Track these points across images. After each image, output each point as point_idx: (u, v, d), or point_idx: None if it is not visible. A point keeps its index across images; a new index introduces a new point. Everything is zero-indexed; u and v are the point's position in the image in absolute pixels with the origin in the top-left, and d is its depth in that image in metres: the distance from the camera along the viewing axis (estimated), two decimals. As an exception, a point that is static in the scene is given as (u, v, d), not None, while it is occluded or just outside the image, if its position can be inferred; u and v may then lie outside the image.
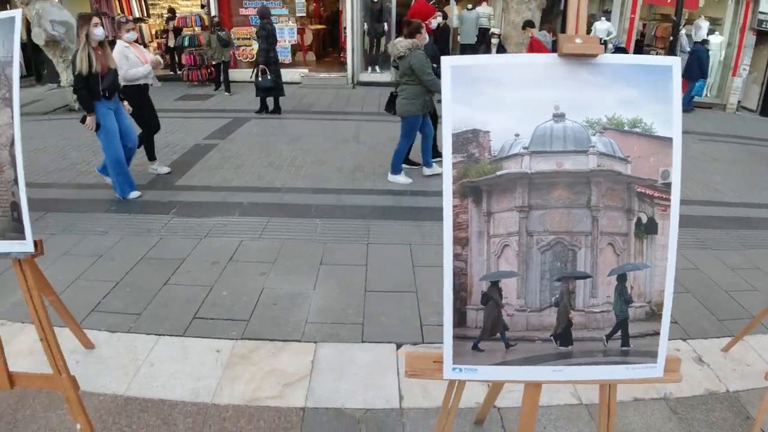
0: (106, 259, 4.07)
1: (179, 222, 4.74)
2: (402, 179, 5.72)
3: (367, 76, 12.47)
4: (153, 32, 14.23)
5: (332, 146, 7.22)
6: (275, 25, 12.31)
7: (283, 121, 8.72)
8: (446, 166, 1.49)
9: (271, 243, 4.33)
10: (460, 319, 1.58)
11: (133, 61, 5.40)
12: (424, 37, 5.50)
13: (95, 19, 4.83)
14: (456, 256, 1.53)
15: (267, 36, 8.94)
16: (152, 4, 14.26)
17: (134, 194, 5.30)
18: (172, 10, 12.90)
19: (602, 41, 11.40)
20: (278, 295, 3.58)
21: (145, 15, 14.56)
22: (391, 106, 5.95)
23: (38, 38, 8.99)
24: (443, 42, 10.35)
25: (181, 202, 5.21)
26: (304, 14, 12.80)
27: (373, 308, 3.46)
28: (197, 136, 7.59)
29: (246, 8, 12.50)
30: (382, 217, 4.85)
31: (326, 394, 2.74)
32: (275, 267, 3.95)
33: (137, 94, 5.55)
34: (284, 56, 12.55)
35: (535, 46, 7.98)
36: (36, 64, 12.44)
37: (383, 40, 13.02)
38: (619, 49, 11.42)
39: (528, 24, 8.35)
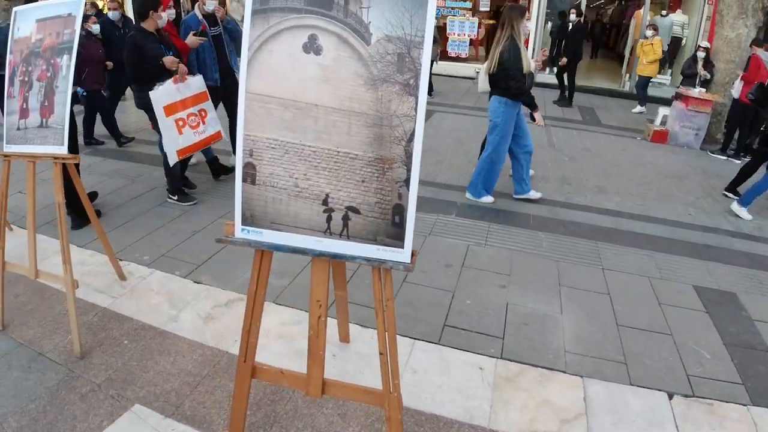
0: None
1: (398, 215, 4.71)
2: (746, 214, 5.22)
3: (541, 77, 11.89)
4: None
5: (528, 151, 6.88)
6: (456, 18, 12.24)
7: (470, 117, 8.53)
8: None
9: (500, 252, 4.13)
10: None
11: None
12: None
13: (527, 13, 4.36)
14: None
15: None
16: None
17: (487, 199, 5.04)
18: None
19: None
20: (526, 314, 3.38)
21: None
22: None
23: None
24: (576, 43, 9.73)
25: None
26: (488, 8, 12.45)
27: (631, 347, 3.14)
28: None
29: None
30: (607, 240, 4.46)
31: (607, 440, 2.50)
32: (512, 280, 3.75)
33: None
34: (462, 50, 12.39)
35: (753, 65, 7.11)
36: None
37: (563, 42, 12.36)
38: None
39: (755, 42, 7.45)
